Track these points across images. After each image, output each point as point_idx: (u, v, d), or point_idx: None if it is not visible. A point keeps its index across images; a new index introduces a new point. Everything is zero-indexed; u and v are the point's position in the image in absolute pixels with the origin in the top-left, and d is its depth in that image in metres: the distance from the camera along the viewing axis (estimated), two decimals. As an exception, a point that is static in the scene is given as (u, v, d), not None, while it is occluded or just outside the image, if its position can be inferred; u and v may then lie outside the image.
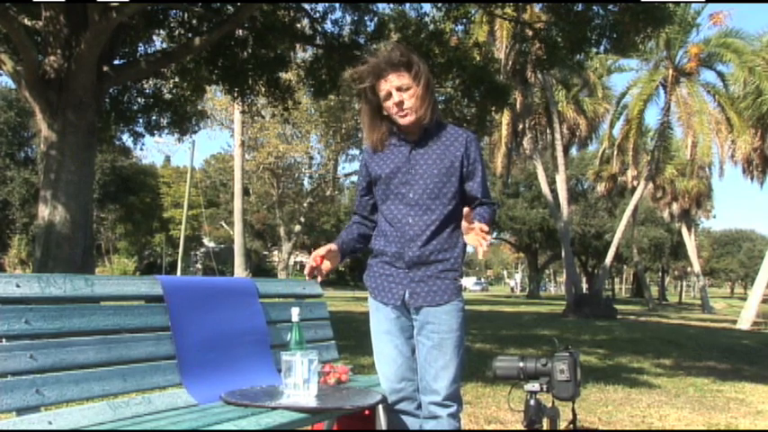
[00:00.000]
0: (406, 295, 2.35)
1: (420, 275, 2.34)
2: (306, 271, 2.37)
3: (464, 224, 2.25)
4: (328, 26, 10.40)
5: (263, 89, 10.26)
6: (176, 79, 10.51)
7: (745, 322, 20.26)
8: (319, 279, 2.42)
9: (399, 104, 2.32)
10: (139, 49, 10.12)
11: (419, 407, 2.38)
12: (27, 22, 7.48)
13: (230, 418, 1.98)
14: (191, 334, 2.33)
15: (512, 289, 73.77)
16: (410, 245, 2.34)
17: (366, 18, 10.08)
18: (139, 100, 11.05)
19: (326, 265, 2.37)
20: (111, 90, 9.49)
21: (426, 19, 10.22)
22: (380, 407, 2.33)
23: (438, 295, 2.33)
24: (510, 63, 18.99)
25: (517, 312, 21.74)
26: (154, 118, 11.33)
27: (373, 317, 2.46)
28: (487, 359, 2.69)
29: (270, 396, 2.21)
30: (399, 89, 2.32)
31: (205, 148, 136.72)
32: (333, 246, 2.43)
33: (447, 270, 2.35)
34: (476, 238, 2.19)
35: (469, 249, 2.38)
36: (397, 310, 2.39)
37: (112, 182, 35.17)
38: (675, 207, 36.15)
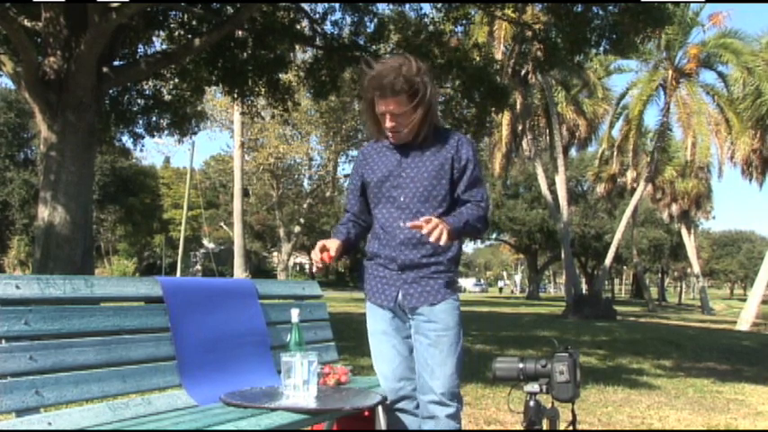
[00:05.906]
0: (399, 296, 2.36)
1: (413, 277, 2.35)
2: (315, 260, 2.37)
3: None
4: (328, 27, 10.41)
5: (263, 90, 10.26)
6: (176, 80, 10.51)
7: (744, 323, 20.29)
8: (317, 269, 2.45)
9: (392, 128, 2.32)
10: (139, 50, 10.13)
11: (418, 406, 2.38)
12: (27, 23, 7.47)
13: (230, 419, 1.98)
14: (190, 335, 2.33)
15: (500, 289, 72.83)
16: (402, 248, 2.35)
17: (366, 19, 10.08)
18: (139, 101, 11.05)
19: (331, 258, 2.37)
20: (110, 91, 9.49)
21: (426, 20, 10.23)
22: (380, 408, 2.33)
23: (431, 295, 2.34)
24: (510, 64, 18.99)
25: (517, 313, 21.72)
26: (154, 119, 11.33)
27: (370, 318, 2.48)
28: (487, 360, 2.70)
29: (269, 397, 2.21)
30: (394, 115, 2.28)
31: (205, 149, 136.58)
32: (338, 242, 2.41)
33: (440, 272, 2.35)
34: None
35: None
36: (392, 312, 2.40)
37: (112, 183, 35.20)
38: (675, 208, 36.17)
